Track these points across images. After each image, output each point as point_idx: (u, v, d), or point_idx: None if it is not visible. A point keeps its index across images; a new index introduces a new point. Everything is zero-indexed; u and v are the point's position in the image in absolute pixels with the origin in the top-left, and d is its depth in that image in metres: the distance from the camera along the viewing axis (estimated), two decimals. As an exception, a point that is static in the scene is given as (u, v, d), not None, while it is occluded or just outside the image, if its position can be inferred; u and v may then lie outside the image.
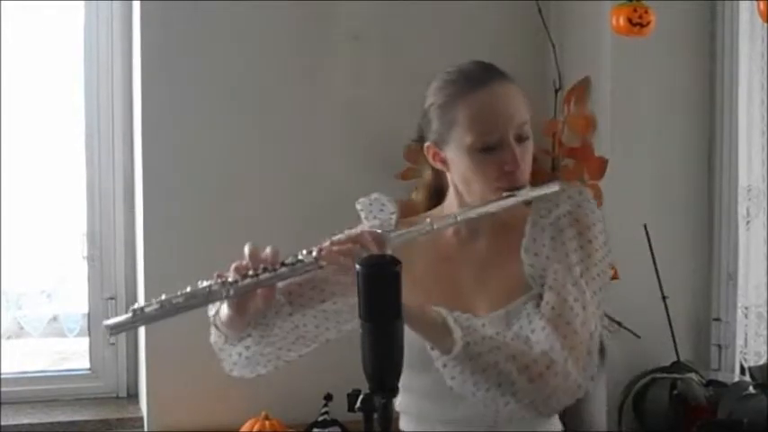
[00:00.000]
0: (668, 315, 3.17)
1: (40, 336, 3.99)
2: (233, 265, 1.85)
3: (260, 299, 1.87)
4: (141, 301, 3.38)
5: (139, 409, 3.41)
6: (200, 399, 3.27)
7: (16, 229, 3.60)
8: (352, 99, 3.37)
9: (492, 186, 1.92)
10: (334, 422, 3.17)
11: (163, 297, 1.83)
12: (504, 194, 1.91)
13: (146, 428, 3.31)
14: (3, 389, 3.37)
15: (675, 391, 3.03)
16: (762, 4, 2.79)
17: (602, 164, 3.21)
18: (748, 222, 3.09)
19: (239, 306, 1.88)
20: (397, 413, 1.97)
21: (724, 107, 3.26)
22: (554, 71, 3.41)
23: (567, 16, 3.42)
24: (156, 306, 1.83)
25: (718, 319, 3.30)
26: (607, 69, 3.23)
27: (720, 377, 3.19)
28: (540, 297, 1.90)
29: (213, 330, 1.98)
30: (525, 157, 1.93)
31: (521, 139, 1.92)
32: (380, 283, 1.56)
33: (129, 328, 1.91)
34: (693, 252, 3.31)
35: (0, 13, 3.42)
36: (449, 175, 1.99)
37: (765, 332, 3.05)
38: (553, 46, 3.40)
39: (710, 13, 3.28)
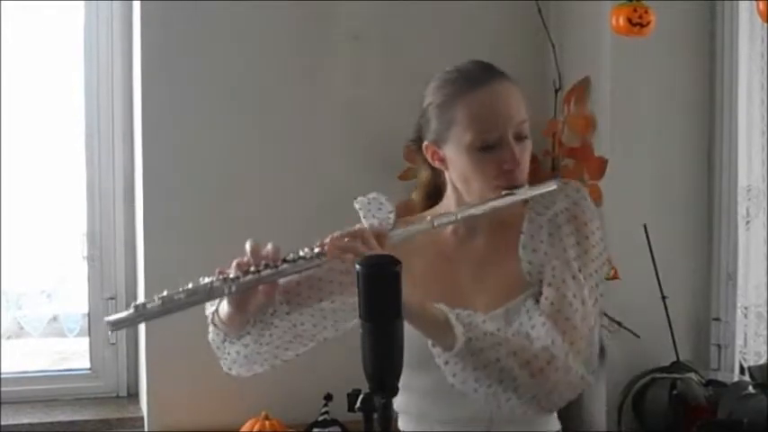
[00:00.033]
0: (668, 315, 3.17)
1: (40, 336, 3.99)
2: (234, 262, 1.85)
3: (261, 295, 1.87)
4: (141, 300, 3.40)
5: (140, 408, 3.41)
6: (201, 399, 3.28)
7: (16, 229, 3.60)
8: (352, 99, 3.37)
9: (491, 185, 1.92)
10: (334, 422, 3.17)
11: (164, 293, 1.83)
12: (503, 193, 1.92)
13: (146, 428, 3.31)
14: (3, 389, 3.37)
15: (675, 391, 3.03)
16: (761, 4, 2.79)
17: (602, 164, 3.21)
18: (748, 222, 3.09)
19: (239, 303, 1.88)
20: (396, 413, 1.97)
21: (724, 107, 3.26)
22: (554, 71, 3.41)
23: (567, 16, 3.42)
24: (157, 302, 1.83)
25: (717, 319, 3.31)
26: (607, 69, 3.23)
27: (720, 377, 3.19)
28: (539, 294, 1.90)
29: (211, 328, 1.98)
30: (524, 155, 1.94)
31: (520, 137, 1.93)
32: (380, 283, 1.56)
33: (130, 324, 1.90)
34: (693, 252, 3.32)
35: (0, 13, 3.42)
36: (447, 174, 2.00)
37: (765, 332, 3.05)
38: (553, 46, 3.41)
39: (710, 13, 3.28)
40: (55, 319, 4.03)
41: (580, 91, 3.32)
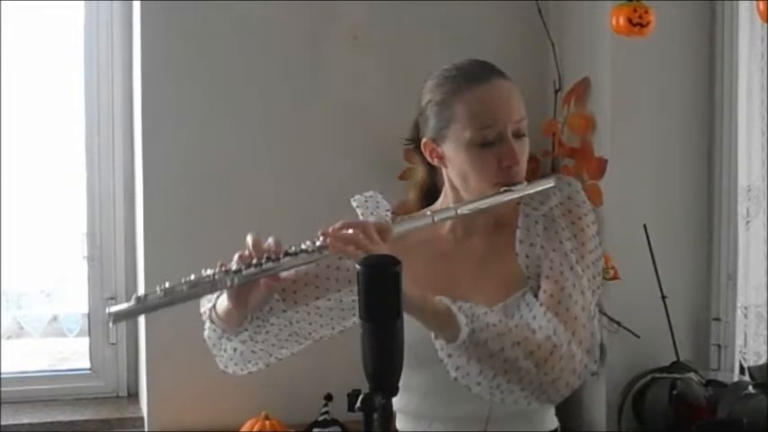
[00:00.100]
0: (668, 315, 3.18)
1: (41, 336, 3.99)
2: (236, 255, 1.85)
3: (263, 288, 1.87)
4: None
5: (140, 408, 3.41)
6: (201, 399, 3.28)
7: (16, 229, 3.60)
8: (352, 99, 3.37)
9: (490, 181, 1.93)
10: (334, 422, 3.17)
11: (166, 285, 1.82)
12: (502, 189, 1.92)
13: (146, 428, 3.31)
14: (3, 389, 3.37)
15: (675, 391, 3.03)
16: (761, 5, 2.79)
17: (602, 164, 3.21)
18: (748, 222, 3.09)
19: (238, 298, 1.88)
20: (394, 413, 1.97)
21: (724, 107, 3.26)
22: (554, 71, 3.41)
23: (567, 16, 3.42)
24: (159, 294, 1.82)
25: (717, 319, 3.31)
26: (607, 69, 3.23)
27: (720, 377, 3.19)
28: (538, 288, 1.91)
29: (208, 324, 1.97)
30: (522, 152, 1.94)
31: (518, 135, 1.93)
32: (380, 283, 1.56)
33: (132, 315, 1.89)
34: (693, 252, 3.32)
35: (0, 13, 3.42)
36: (445, 172, 2.00)
37: (765, 332, 3.05)
38: (553, 46, 3.41)
39: (710, 13, 3.28)
40: (55, 319, 4.04)
41: (580, 91, 3.32)
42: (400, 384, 1.58)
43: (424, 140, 1.99)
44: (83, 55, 3.50)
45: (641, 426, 3.08)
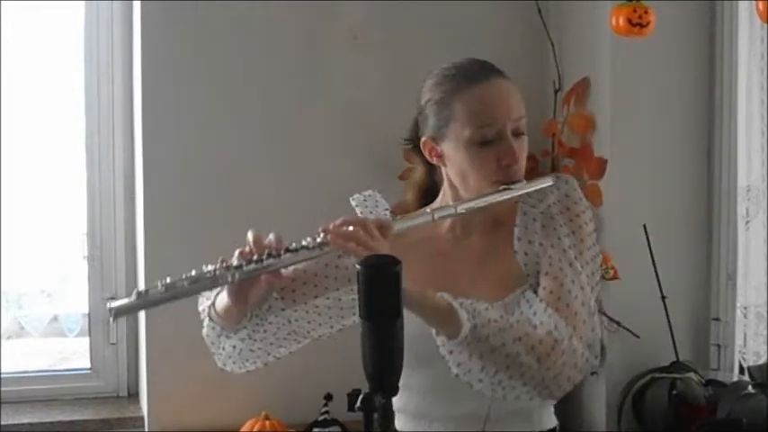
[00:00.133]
0: (667, 315, 3.18)
1: (41, 335, 4.00)
2: (237, 251, 1.85)
3: (264, 284, 1.87)
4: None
5: (140, 408, 3.41)
6: (201, 399, 3.28)
7: (16, 228, 3.60)
8: (352, 99, 3.37)
9: (489, 180, 1.94)
10: (334, 422, 3.18)
11: (167, 280, 1.82)
12: (501, 188, 1.93)
13: (146, 428, 3.31)
14: (3, 389, 3.37)
15: (675, 391, 3.03)
16: (761, 5, 2.79)
17: (602, 164, 3.21)
18: (747, 222, 3.10)
19: (238, 295, 1.88)
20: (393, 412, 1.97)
21: (723, 107, 3.26)
22: (554, 71, 3.41)
23: (567, 16, 3.42)
24: (160, 289, 1.82)
25: (717, 319, 3.31)
26: (607, 69, 3.24)
27: (720, 377, 3.19)
28: (537, 285, 1.92)
29: (207, 322, 1.97)
30: (522, 151, 1.95)
31: (517, 133, 1.94)
32: (380, 282, 1.56)
33: (132, 311, 1.89)
34: (693, 252, 3.32)
35: (0, 13, 3.42)
36: (444, 171, 2.01)
37: (765, 332, 3.05)
38: (553, 46, 3.41)
39: (710, 13, 3.28)
40: (55, 318, 4.04)
41: (580, 91, 3.32)
42: (400, 384, 1.58)
43: (423, 139, 1.99)
44: (83, 55, 3.50)
45: (641, 426, 3.08)
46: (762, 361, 3.03)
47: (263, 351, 1.98)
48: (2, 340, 3.70)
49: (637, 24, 2.94)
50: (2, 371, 3.41)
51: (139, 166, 3.38)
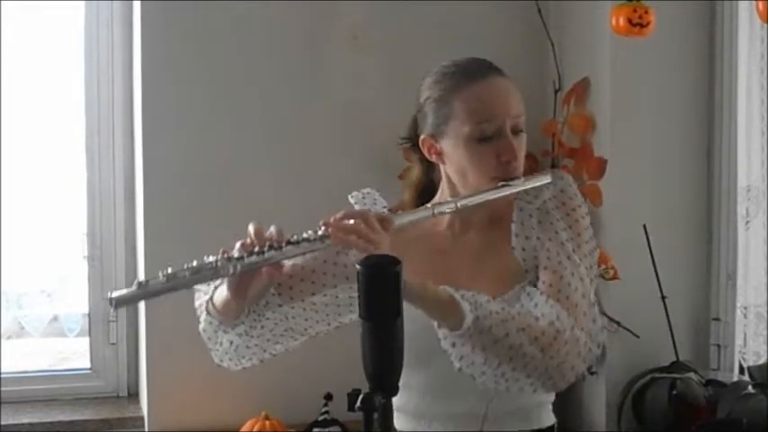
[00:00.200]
0: (667, 315, 3.18)
1: (41, 335, 4.00)
2: (238, 243, 1.85)
3: (265, 276, 1.87)
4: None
5: (140, 408, 3.41)
6: (201, 398, 3.28)
7: (16, 228, 3.60)
8: (352, 99, 3.37)
9: (488, 176, 1.94)
10: (334, 422, 3.18)
11: (168, 270, 1.82)
12: (500, 184, 1.94)
13: (146, 428, 3.31)
14: (3, 389, 3.37)
15: (675, 391, 3.03)
16: (761, 5, 2.79)
17: (602, 164, 3.21)
18: (747, 222, 3.10)
19: (238, 288, 1.87)
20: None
21: (723, 107, 3.26)
22: (554, 71, 3.41)
23: (567, 16, 3.42)
24: (161, 280, 1.81)
25: (717, 319, 3.31)
26: (607, 69, 3.24)
27: (720, 377, 3.19)
28: (536, 280, 1.92)
29: (204, 317, 1.96)
30: (520, 148, 1.96)
31: (516, 131, 1.95)
32: (380, 283, 1.57)
33: (133, 301, 1.89)
34: (693, 252, 3.32)
35: (0, 13, 3.42)
36: (443, 168, 2.01)
37: (765, 332, 3.05)
38: (553, 46, 3.41)
39: (710, 13, 3.28)
40: (55, 318, 4.04)
41: (580, 91, 3.32)
42: (400, 384, 1.58)
43: (422, 137, 2.00)
44: (83, 55, 3.50)
45: (641, 426, 3.08)
46: (762, 361, 3.03)
47: (259, 348, 1.98)
48: (2, 340, 3.70)
49: (637, 24, 2.94)
50: (2, 371, 3.41)
51: (139, 166, 3.38)
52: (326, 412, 3.18)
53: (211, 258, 1.83)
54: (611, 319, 3.15)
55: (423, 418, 2.00)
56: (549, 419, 2.03)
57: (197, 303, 1.99)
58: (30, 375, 3.57)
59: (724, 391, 2.99)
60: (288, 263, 1.92)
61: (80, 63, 3.51)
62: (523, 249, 1.96)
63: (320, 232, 1.84)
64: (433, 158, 2.01)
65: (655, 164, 3.28)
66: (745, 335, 3.12)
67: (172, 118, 3.30)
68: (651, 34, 2.98)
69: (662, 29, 3.02)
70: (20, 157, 3.57)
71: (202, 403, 3.28)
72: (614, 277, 3.14)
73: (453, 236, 2.03)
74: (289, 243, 1.84)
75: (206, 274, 1.83)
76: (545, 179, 1.98)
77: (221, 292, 1.91)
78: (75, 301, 3.80)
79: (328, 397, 3.16)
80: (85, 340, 3.62)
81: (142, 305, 3.38)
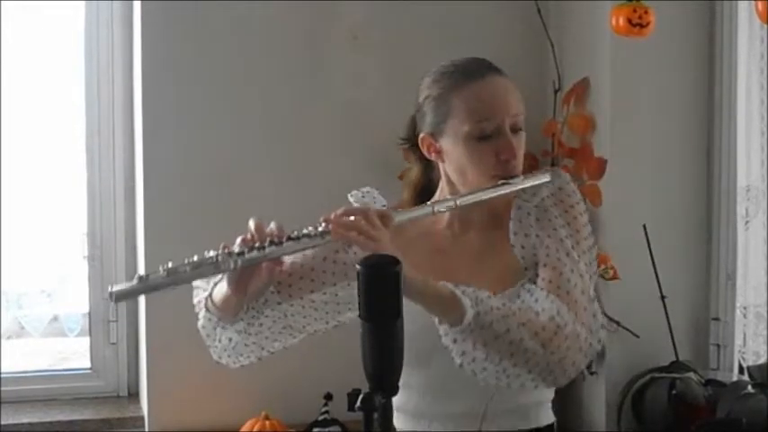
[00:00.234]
0: (667, 315, 3.18)
1: (41, 335, 4.00)
2: (239, 238, 1.85)
3: (265, 272, 1.87)
4: (142, 301, 3.40)
5: (140, 408, 3.41)
6: (201, 398, 3.28)
7: (16, 228, 3.60)
8: (352, 99, 3.37)
9: (488, 174, 1.95)
10: (334, 422, 3.18)
11: (169, 265, 1.82)
12: (500, 182, 1.94)
13: (146, 428, 3.31)
14: (3, 389, 3.37)
15: (674, 391, 3.03)
16: (760, 5, 2.80)
17: (602, 164, 3.22)
18: (747, 222, 3.10)
19: (238, 284, 1.87)
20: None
21: (723, 107, 3.26)
22: (553, 71, 3.41)
23: (567, 16, 3.42)
24: (162, 274, 1.81)
25: (716, 319, 3.31)
26: (607, 69, 3.24)
27: (719, 377, 3.19)
28: (536, 277, 1.92)
29: (203, 313, 1.96)
30: (520, 147, 1.96)
31: (515, 129, 1.95)
32: (380, 283, 1.57)
33: (133, 295, 1.88)
34: (692, 252, 3.32)
35: (0, 13, 3.42)
36: (442, 167, 2.01)
37: (764, 332, 3.06)
38: (552, 46, 3.41)
39: (710, 13, 3.28)
40: (55, 318, 4.04)
41: (580, 91, 3.32)
42: (400, 383, 1.58)
43: (421, 136, 2.00)
44: (83, 55, 3.50)
45: (641, 425, 3.08)
46: (761, 361, 3.03)
47: (257, 345, 1.98)
48: (2, 340, 3.70)
49: (637, 24, 2.94)
50: (2, 371, 3.41)
51: (139, 166, 3.38)
52: (326, 412, 3.18)
53: (212, 253, 1.83)
54: (610, 319, 3.15)
55: (423, 418, 2.00)
56: (549, 418, 2.04)
57: (195, 300, 1.99)
58: (30, 375, 3.57)
59: (723, 391, 2.99)
60: (287, 261, 1.93)
61: (80, 63, 3.51)
62: (522, 247, 1.96)
63: (321, 228, 1.84)
64: (433, 157, 2.01)
65: (654, 164, 3.28)
66: (744, 335, 3.12)
67: (172, 118, 3.30)
68: (651, 34, 2.98)
69: (662, 29, 3.02)
70: (20, 156, 3.57)
71: (202, 403, 3.28)
72: (614, 277, 3.14)
73: (453, 235, 2.03)
74: (289, 239, 1.84)
75: (206, 268, 1.83)
76: (544, 178, 1.98)
77: (221, 288, 1.91)
78: (76, 301, 3.80)
79: (328, 397, 3.16)
80: (85, 340, 3.62)
81: (142, 305, 3.38)
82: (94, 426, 3.31)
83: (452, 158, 1.97)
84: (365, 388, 1.56)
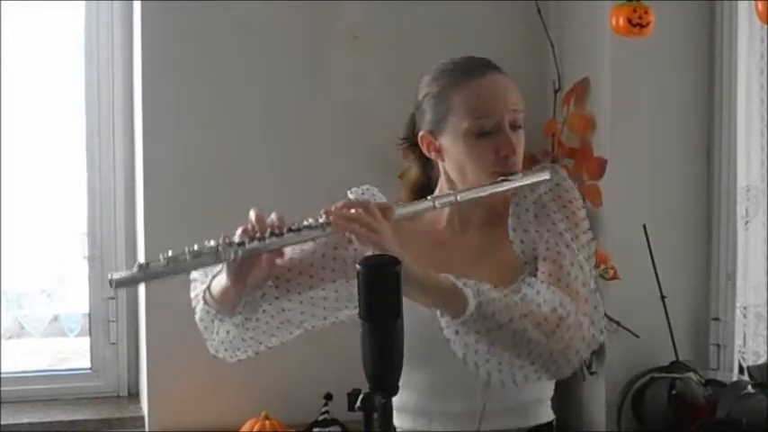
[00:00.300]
0: (667, 315, 3.18)
1: (41, 335, 4.00)
2: (239, 229, 1.84)
3: (265, 263, 1.87)
4: (142, 301, 3.40)
5: (140, 408, 3.41)
6: (201, 398, 3.28)
7: (16, 228, 3.60)
8: (352, 99, 3.37)
9: (488, 171, 1.95)
10: (334, 422, 3.18)
11: (170, 253, 1.81)
12: (499, 179, 1.94)
13: (146, 428, 3.31)
14: (3, 389, 3.37)
15: (674, 391, 3.03)
16: (760, 5, 2.80)
17: (602, 164, 3.22)
18: (747, 222, 3.10)
19: (238, 276, 1.87)
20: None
21: (723, 107, 3.26)
22: (553, 71, 3.41)
23: (567, 16, 3.42)
24: (162, 262, 1.80)
25: (716, 319, 3.31)
26: (607, 69, 3.24)
27: (719, 377, 3.19)
28: (536, 271, 1.92)
29: (201, 306, 1.96)
30: (519, 144, 1.97)
31: (514, 126, 1.96)
32: (380, 283, 1.57)
33: (133, 283, 1.88)
34: (692, 252, 3.32)
35: (0, 13, 3.42)
36: (442, 165, 2.01)
37: (764, 332, 3.06)
38: (552, 46, 3.41)
39: (710, 13, 3.28)
40: (55, 318, 4.04)
41: (580, 91, 3.32)
42: (399, 383, 1.58)
43: (421, 133, 2.01)
44: (83, 55, 3.50)
45: (641, 425, 3.08)
46: (761, 361, 3.03)
47: (254, 340, 1.98)
48: (2, 340, 3.70)
49: (637, 24, 2.94)
50: (2, 371, 3.41)
51: (139, 166, 3.38)
52: (326, 412, 3.18)
53: (212, 243, 1.82)
54: (610, 319, 3.15)
55: (423, 417, 2.00)
56: (548, 416, 2.04)
57: (193, 294, 1.98)
58: (30, 375, 3.57)
59: (723, 391, 2.99)
60: (286, 256, 1.92)
61: (80, 63, 3.51)
62: (522, 242, 1.96)
63: (321, 220, 1.83)
64: (432, 155, 2.01)
65: (654, 164, 3.28)
66: (744, 335, 3.12)
67: (172, 118, 3.30)
68: (651, 34, 2.98)
69: (662, 29, 3.02)
70: (20, 156, 3.57)
71: (202, 403, 3.28)
72: (614, 277, 3.14)
73: (453, 233, 2.03)
74: (290, 230, 1.84)
75: (207, 257, 1.82)
76: (544, 175, 1.98)
77: (219, 280, 1.91)
78: (76, 301, 3.80)
79: (328, 397, 3.16)
80: (86, 340, 3.62)
81: (142, 305, 3.38)
82: (94, 426, 3.31)
83: (452, 156, 1.97)
84: (365, 388, 1.56)
